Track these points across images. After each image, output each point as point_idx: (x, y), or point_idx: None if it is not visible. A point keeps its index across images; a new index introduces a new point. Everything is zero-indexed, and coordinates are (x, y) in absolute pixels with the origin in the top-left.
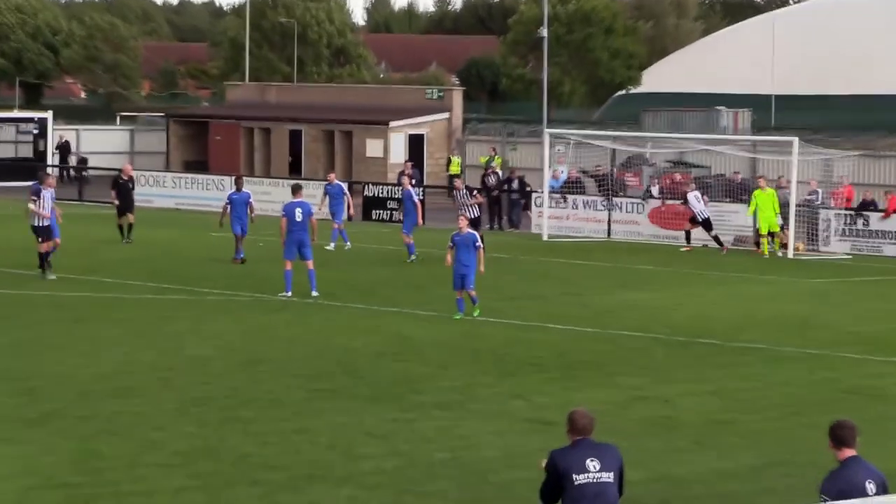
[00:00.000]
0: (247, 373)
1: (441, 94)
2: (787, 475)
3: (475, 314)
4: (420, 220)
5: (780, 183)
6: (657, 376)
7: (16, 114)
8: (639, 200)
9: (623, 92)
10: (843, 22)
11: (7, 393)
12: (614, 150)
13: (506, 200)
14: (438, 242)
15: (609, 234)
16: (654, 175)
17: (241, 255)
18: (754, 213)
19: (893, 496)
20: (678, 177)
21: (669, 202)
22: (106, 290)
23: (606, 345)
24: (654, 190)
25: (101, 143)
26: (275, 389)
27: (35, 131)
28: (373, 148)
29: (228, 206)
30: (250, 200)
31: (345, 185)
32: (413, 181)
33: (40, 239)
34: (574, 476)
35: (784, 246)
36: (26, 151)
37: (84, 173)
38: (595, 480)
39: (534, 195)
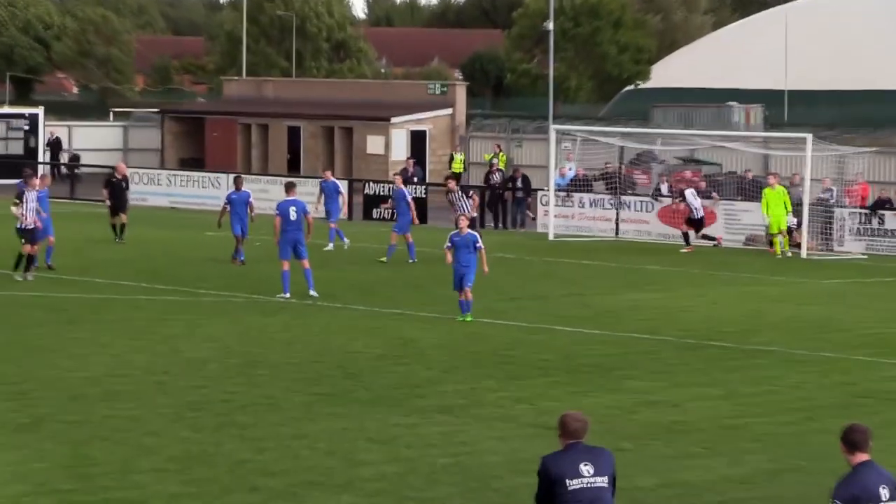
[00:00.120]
0: (244, 376)
1: (444, 89)
2: (801, 481)
3: (466, 318)
4: (415, 220)
5: (794, 180)
6: (667, 380)
7: (6, 110)
8: (648, 199)
9: (631, 87)
10: (858, 15)
11: None
12: (622, 147)
13: (510, 199)
14: (441, 242)
15: (617, 233)
16: (663, 173)
17: (242, 258)
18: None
19: None
20: (688, 174)
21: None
22: (98, 291)
23: (614, 347)
24: (664, 188)
25: (93, 140)
26: (272, 393)
27: (26, 128)
28: (374, 145)
29: (227, 207)
30: (250, 200)
31: (340, 183)
32: (416, 179)
33: (24, 241)
34: (567, 481)
35: (797, 245)
36: (17, 148)
37: (76, 171)
38: (589, 485)
39: (539, 193)
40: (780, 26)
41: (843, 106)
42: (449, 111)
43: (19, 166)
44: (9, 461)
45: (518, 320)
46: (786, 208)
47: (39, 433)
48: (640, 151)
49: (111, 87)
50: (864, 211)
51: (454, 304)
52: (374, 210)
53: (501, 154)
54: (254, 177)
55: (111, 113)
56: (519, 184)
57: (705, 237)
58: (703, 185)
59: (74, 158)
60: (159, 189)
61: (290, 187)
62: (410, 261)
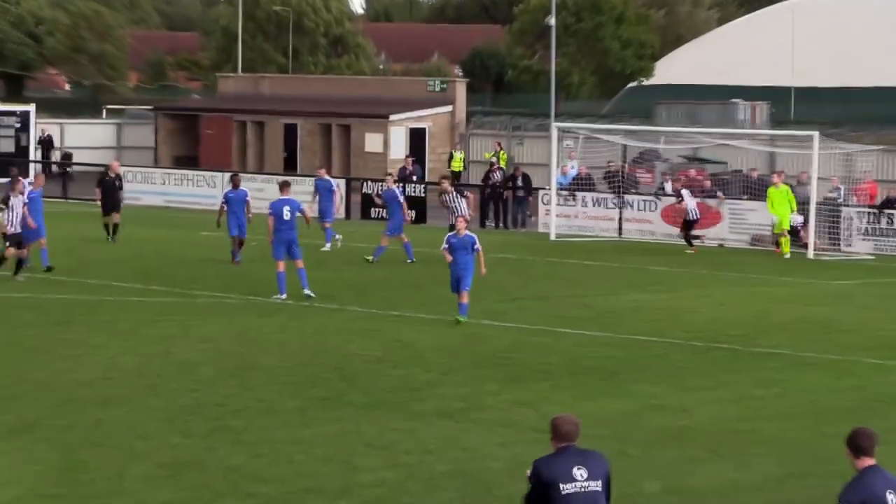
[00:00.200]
0: (238, 379)
1: (444, 85)
2: (809, 486)
3: (461, 320)
4: (406, 220)
5: (802, 178)
6: (673, 383)
7: None
8: (651, 198)
9: (635, 84)
10: (866, 11)
11: None
12: (625, 145)
13: (511, 198)
14: (440, 242)
15: (620, 233)
16: (667, 171)
17: (237, 259)
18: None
19: None
20: (693, 173)
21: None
22: (91, 292)
23: (618, 350)
24: (668, 187)
25: (86, 138)
26: (267, 397)
27: (17, 125)
28: (372, 143)
29: (225, 206)
30: (248, 199)
31: (334, 182)
32: (415, 177)
33: (8, 244)
34: (561, 486)
35: (804, 246)
36: (8, 146)
37: (68, 169)
38: (583, 490)
39: (541, 192)
40: (786, 22)
41: (851, 103)
42: (449, 108)
43: (10, 165)
44: None
45: (519, 322)
46: (790, 207)
47: (29, 437)
48: (643, 149)
49: (104, 84)
50: (872, 210)
51: (453, 305)
52: (373, 209)
53: (502, 152)
54: (249, 175)
55: (104, 110)
56: (519, 182)
57: (688, 238)
58: (707, 184)
59: (66, 157)
60: (153, 188)
61: (284, 186)
62: (409, 261)
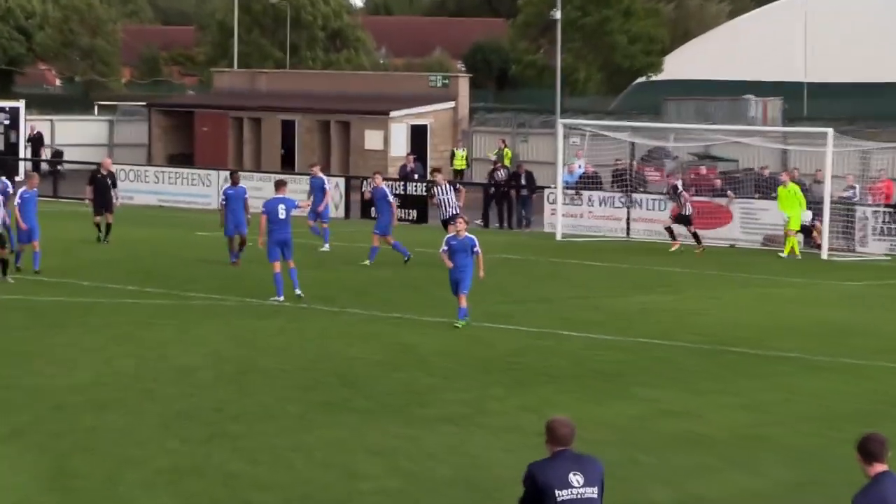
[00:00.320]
0: (236, 384)
1: (446, 81)
2: (822, 494)
3: (458, 325)
4: (395, 221)
5: (818, 177)
6: (682, 387)
7: None
8: (660, 197)
9: (643, 79)
10: (880, 3)
11: None
12: (633, 143)
13: (514, 197)
14: (441, 243)
15: (628, 233)
16: (677, 169)
17: (234, 258)
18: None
19: None
20: (703, 171)
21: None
22: (83, 294)
23: (626, 353)
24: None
25: (77, 135)
26: (267, 402)
27: (6, 122)
28: (372, 140)
29: (224, 203)
30: (246, 197)
31: (327, 180)
32: (416, 176)
33: None
34: (556, 492)
35: (817, 246)
36: None
37: (59, 167)
38: (579, 496)
39: (546, 191)
40: (799, 15)
41: (866, 99)
42: (451, 104)
43: None
44: None
45: (524, 324)
46: (800, 207)
47: (20, 444)
48: (651, 147)
49: (96, 80)
50: (887, 210)
51: (455, 307)
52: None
53: (506, 149)
54: (247, 174)
55: (96, 106)
56: (523, 181)
57: (669, 231)
58: (718, 182)
59: (57, 154)
60: (147, 186)
61: (280, 185)
62: (406, 258)
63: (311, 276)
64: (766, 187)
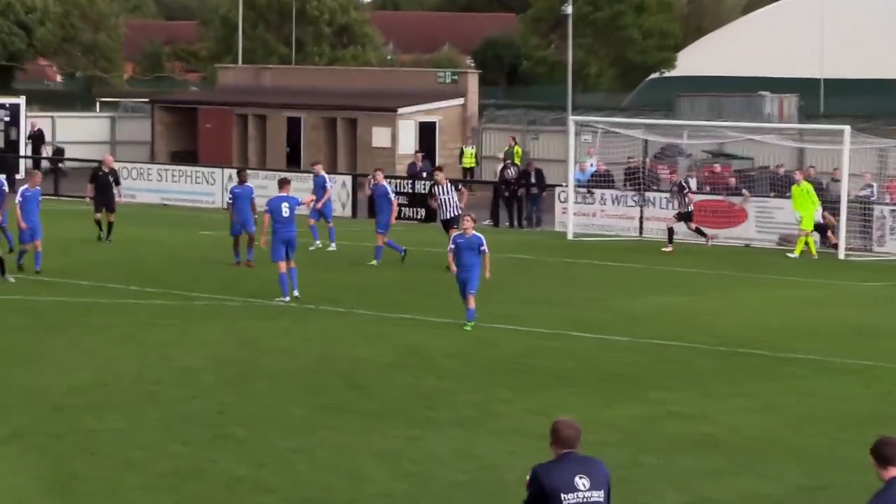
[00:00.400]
0: (239, 386)
1: (455, 77)
2: (835, 498)
3: (467, 327)
4: (393, 219)
5: (836, 175)
6: (695, 390)
7: None
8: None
9: (656, 75)
10: None
11: None
12: (646, 140)
13: (525, 195)
14: (448, 243)
15: (641, 232)
16: (691, 167)
17: (238, 259)
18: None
19: None
20: (718, 168)
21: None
22: (84, 294)
23: (639, 355)
24: (692, 183)
25: (78, 132)
26: (271, 405)
27: (6, 119)
28: (379, 137)
29: (231, 202)
30: (253, 196)
31: (328, 178)
32: (424, 174)
33: None
34: (563, 495)
35: (834, 246)
36: None
37: (60, 165)
38: (585, 500)
39: (557, 190)
40: (815, 9)
41: (884, 95)
42: (460, 101)
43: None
44: None
45: (534, 326)
46: (813, 206)
47: (19, 446)
48: (665, 145)
49: (98, 76)
50: None
51: (463, 308)
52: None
53: (517, 147)
54: (252, 172)
55: (98, 103)
56: (533, 179)
57: (670, 233)
58: (732, 181)
59: (58, 152)
60: (149, 184)
61: (283, 183)
62: (402, 254)
63: (316, 276)
64: (781, 186)
